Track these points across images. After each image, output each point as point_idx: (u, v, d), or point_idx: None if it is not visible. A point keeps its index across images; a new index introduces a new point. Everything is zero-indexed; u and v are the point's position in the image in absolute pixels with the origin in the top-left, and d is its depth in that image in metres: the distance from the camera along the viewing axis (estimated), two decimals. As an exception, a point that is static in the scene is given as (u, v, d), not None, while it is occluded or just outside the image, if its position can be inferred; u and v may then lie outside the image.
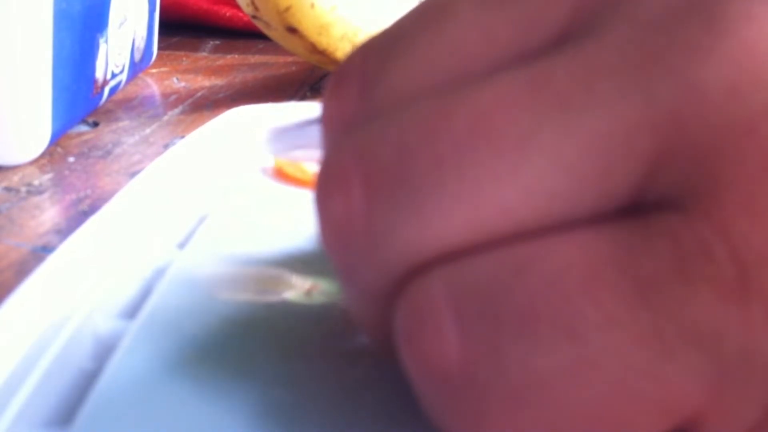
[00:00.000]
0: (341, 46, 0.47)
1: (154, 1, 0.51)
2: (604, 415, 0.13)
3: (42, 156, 0.36)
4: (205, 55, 0.58)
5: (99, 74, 0.41)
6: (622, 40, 0.13)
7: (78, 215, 0.31)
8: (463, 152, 0.13)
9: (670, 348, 0.12)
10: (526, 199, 0.13)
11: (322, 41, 0.47)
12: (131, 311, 0.20)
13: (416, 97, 0.14)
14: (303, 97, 0.48)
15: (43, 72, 0.34)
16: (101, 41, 0.41)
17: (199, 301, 0.20)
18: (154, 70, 0.52)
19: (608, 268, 0.12)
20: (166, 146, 0.38)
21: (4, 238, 0.28)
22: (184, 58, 0.56)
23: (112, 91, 0.44)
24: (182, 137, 0.37)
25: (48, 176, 0.34)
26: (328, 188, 0.14)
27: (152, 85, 0.50)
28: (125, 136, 0.40)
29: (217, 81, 0.50)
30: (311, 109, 0.34)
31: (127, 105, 0.45)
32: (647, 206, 0.13)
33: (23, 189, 0.33)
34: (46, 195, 0.32)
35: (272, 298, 0.20)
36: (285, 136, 0.22)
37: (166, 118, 0.43)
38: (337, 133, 0.15)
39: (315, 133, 0.18)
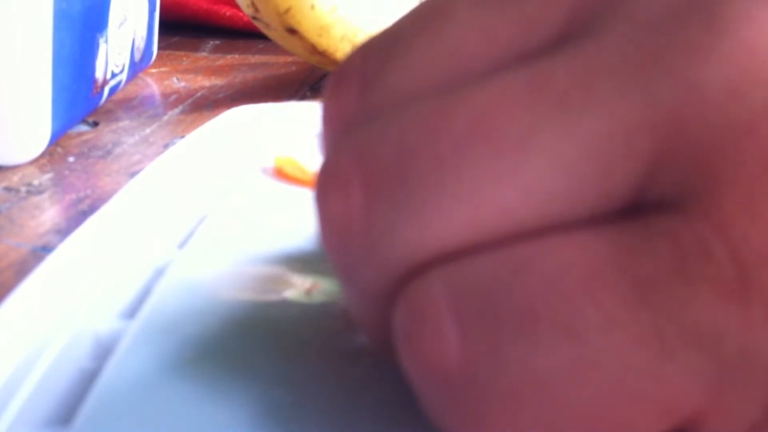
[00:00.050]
0: (341, 47, 0.47)
1: (154, 1, 0.51)
2: (604, 415, 0.13)
3: (42, 156, 0.36)
4: (205, 55, 0.58)
5: (99, 74, 0.41)
6: (621, 40, 0.13)
7: (78, 215, 0.31)
8: (463, 152, 0.13)
9: (670, 348, 0.12)
10: (526, 199, 0.13)
11: (322, 42, 0.47)
12: (131, 311, 0.20)
13: (416, 97, 0.14)
14: (303, 97, 0.48)
15: (43, 72, 0.34)
16: (101, 41, 0.41)
17: (199, 301, 0.20)
18: (154, 70, 0.52)
19: (608, 268, 0.12)
20: (166, 146, 0.38)
21: (4, 238, 0.28)
22: (184, 58, 0.56)
23: (112, 90, 0.44)
24: (182, 137, 0.37)
25: (48, 176, 0.34)
26: (328, 188, 0.14)
27: (152, 85, 0.50)
28: (125, 136, 0.40)
29: (217, 81, 0.50)
30: (311, 108, 0.34)
31: (127, 105, 0.45)
32: (647, 206, 0.13)
33: (23, 189, 0.33)
34: (46, 195, 0.32)
35: (272, 297, 0.20)
36: None
37: (166, 118, 0.43)
38: (337, 133, 0.15)
39: None
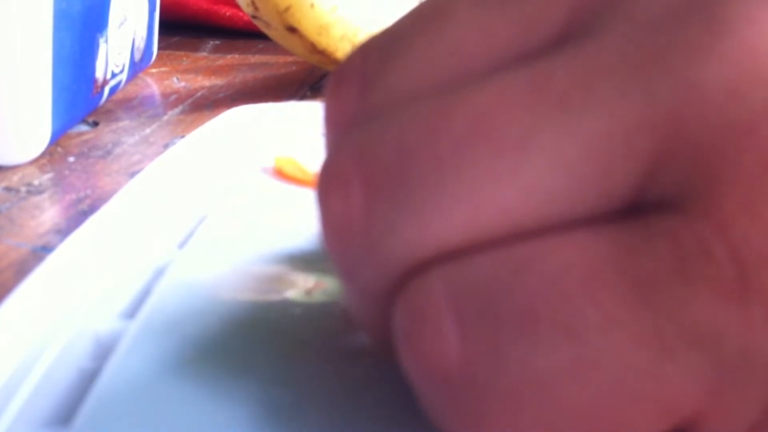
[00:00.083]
0: (341, 46, 0.47)
1: (154, 1, 0.51)
2: (604, 415, 0.13)
3: (42, 156, 0.36)
4: (205, 55, 0.58)
5: (99, 74, 0.41)
6: (621, 40, 0.13)
7: (78, 215, 0.31)
8: (463, 152, 0.13)
9: (670, 348, 0.12)
10: (525, 199, 0.13)
11: (322, 41, 0.47)
12: (131, 311, 0.20)
13: (416, 97, 0.14)
14: (303, 97, 0.48)
15: (43, 72, 0.34)
16: (101, 41, 0.41)
17: (199, 301, 0.20)
18: (154, 70, 0.52)
19: (608, 268, 0.12)
20: (166, 146, 0.38)
21: (4, 238, 0.28)
22: (184, 58, 0.56)
23: (112, 90, 0.44)
24: (182, 137, 0.37)
25: (48, 176, 0.34)
26: (328, 188, 0.14)
27: (152, 85, 0.50)
28: (125, 136, 0.40)
29: (217, 81, 0.50)
30: (311, 108, 0.34)
31: (127, 105, 0.45)
32: (647, 206, 0.13)
33: (23, 189, 0.33)
34: (46, 195, 0.32)
35: (273, 297, 0.20)
36: None
37: (166, 118, 0.43)
38: (337, 133, 0.16)
39: None
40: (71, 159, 0.36)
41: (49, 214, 0.31)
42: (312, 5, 0.46)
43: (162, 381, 0.16)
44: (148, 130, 0.41)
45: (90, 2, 0.39)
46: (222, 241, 0.23)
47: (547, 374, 0.12)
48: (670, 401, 0.13)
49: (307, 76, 0.52)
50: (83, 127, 0.41)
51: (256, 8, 0.47)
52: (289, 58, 0.56)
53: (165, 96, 0.47)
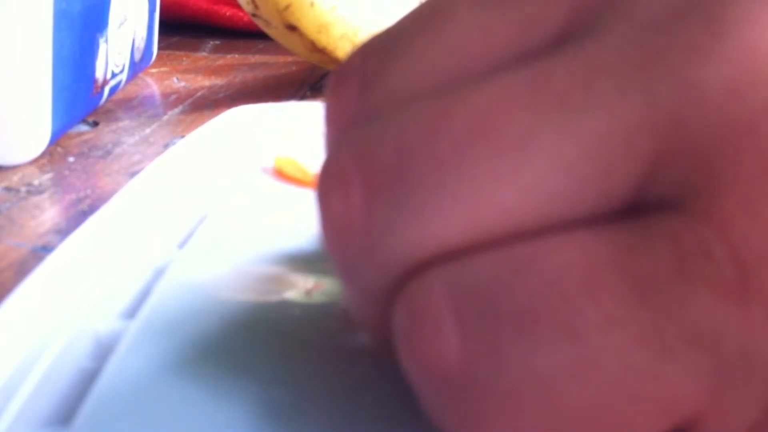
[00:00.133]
0: (341, 45, 0.47)
1: (154, 1, 0.51)
2: (604, 415, 0.13)
3: (42, 156, 0.36)
4: (205, 55, 0.58)
5: (99, 74, 0.41)
6: (622, 40, 0.13)
7: (78, 215, 0.31)
8: (463, 152, 0.13)
9: (670, 348, 0.12)
10: (525, 199, 0.13)
11: (322, 40, 0.47)
12: (131, 311, 0.20)
13: (416, 97, 0.14)
14: (303, 97, 0.48)
15: (43, 72, 0.34)
16: (101, 41, 0.41)
17: (199, 301, 0.20)
18: (154, 70, 0.52)
19: (608, 268, 0.12)
20: (166, 146, 0.38)
21: (4, 238, 0.28)
22: (184, 58, 0.56)
23: (112, 90, 0.44)
24: (182, 137, 0.37)
25: (48, 176, 0.34)
26: (328, 188, 0.14)
27: (152, 85, 0.50)
28: (125, 136, 0.40)
29: (217, 81, 0.50)
30: (311, 108, 0.34)
31: (127, 105, 0.45)
32: (647, 207, 0.13)
33: (23, 189, 0.33)
34: (46, 195, 0.32)
35: (272, 298, 0.20)
36: None
37: (166, 118, 0.43)
38: (338, 133, 0.16)
39: None
40: (71, 159, 0.36)
41: (49, 214, 0.31)
42: (312, 4, 0.46)
43: (162, 381, 0.16)
44: (148, 130, 0.41)
45: (90, 2, 0.39)
46: (222, 241, 0.23)
47: (547, 374, 0.12)
48: (670, 401, 0.13)
49: (307, 76, 0.52)
50: (83, 127, 0.41)
51: (256, 6, 0.47)
52: (289, 58, 0.56)
53: (165, 96, 0.47)
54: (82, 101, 0.39)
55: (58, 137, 0.37)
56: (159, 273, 0.22)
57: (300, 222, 0.24)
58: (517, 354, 0.13)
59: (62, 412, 0.16)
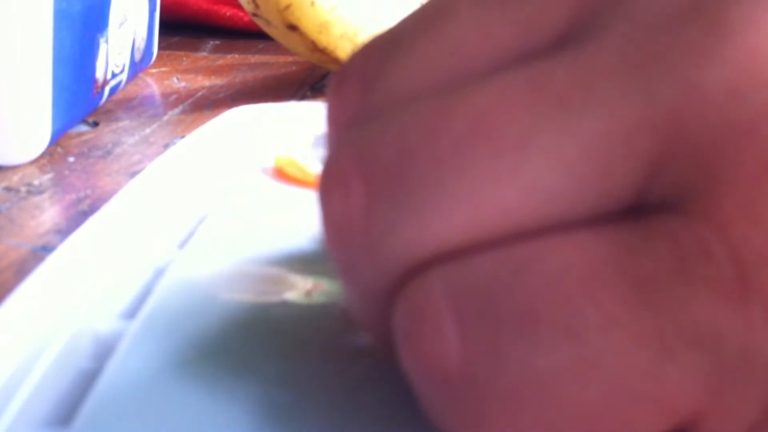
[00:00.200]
0: (341, 45, 0.47)
1: (154, 1, 0.51)
2: (604, 415, 0.13)
3: (42, 156, 0.36)
4: (205, 55, 0.58)
5: (99, 74, 0.41)
6: (622, 40, 0.13)
7: (78, 215, 0.31)
8: (463, 152, 0.13)
9: (670, 348, 0.12)
10: (525, 199, 0.13)
11: (322, 39, 0.47)
12: (131, 311, 0.20)
13: (416, 97, 0.14)
14: (303, 97, 0.48)
15: (43, 72, 0.34)
16: (101, 41, 0.41)
17: (199, 301, 0.20)
18: (154, 70, 0.52)
19: (608, 268, 0.12)
20: (166, 146, 0.38)
21: (4, 238, 0.28)
22: (184, 58, 0.56)
23: (112, 91, 0.44)
24: (182, 137, 0.37)
25: (48, 176, 0.34)
26: (329, 187, 0.14)
27: (152, 85, 0.50)
28: (125, 136, 0.40)
29: (217, 81, 0.50)
30: (311, 108, 0.34)
31: (127, 105, 0.45)
32: (648, 207, 0.13)
33: (23, 189, 0.33)
34: (46, 195, 0.32)
35: (272, 298, 0.20)
36: None
37: (166, 118, 0.43)
38: (339, 133, 0.16)
39: None
40: (71, 159, 0.36)
41: (49, 214, 0.31)
42: (312, 3, 0.46)
43: (162, 381, 0.16)
44: (148, 130, 0.41)
45: (90, 2, 0.39)
46: (222, 241, 0.23)
47: (547, 374, 0.12)
48: (670, 401, 0.13)
49: (307, 76, 0.52)
50: (83, 127, 0.41)
51: (256, 6, 0.47)
52: (289, 58, 0.56)
53: (165, 96, 0.47)
54: (82, 101, 0.39)
55: (58, 137, 0.37)
56: (159, 273, 0.22)
57: (300, 222, 0.24)
58: (517, 354, 0.13)
59: (62, 412, 0.16)
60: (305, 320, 0.19)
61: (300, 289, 0.20)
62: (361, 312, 0.15)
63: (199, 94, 0.47)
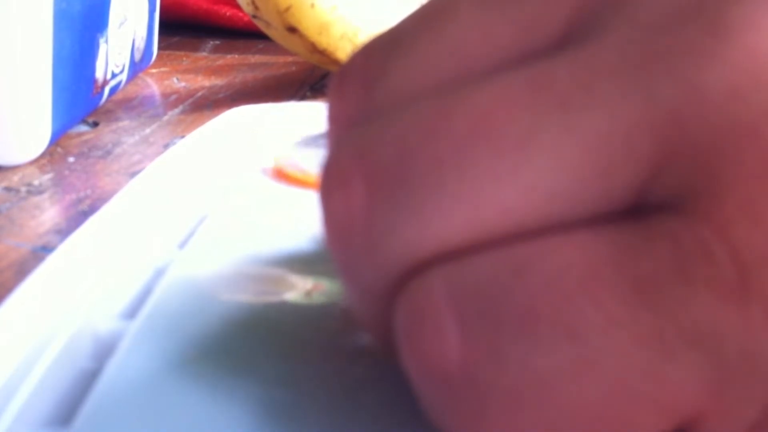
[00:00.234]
0: (341, 46, 0.47)
1: (154, 1, 0.51)
2: (604, 415, 0.13)
3: (42, 156, 0.36)
4: (205, 55, 0.58)
5: (99, 74, 0.41)
6: (623, 40, 0.13)
7: (78, 215, 0.31)
8: (463, 152, 0.13)
9: (670, 348, 0.12)
10: (526, 199, 0.13)
11: (323, 41, 0.47)
12: (131, 311, 0.20)
13: (417, 97, 0.14)
14: (303, 97, 0.48)
15: (43, 72, 0.34)
16: (101, 41, 0.41)
17: (199, 301, 0.20)
18: (154, 70, 0.52)
19: (608, 268, 0.12)
20: (166, 146, 0.38)
21: (4, 238, 0.28)
22: (184, 58, 0.56)
23: (112, 91, 0.44)
24: (182, 137, 0.37)
25: (48, 176, 0.34)
26: (330, 187, 0.14)
27: (152, 85, 0.50)
28: (125, 136, 0.40)
29: (217, 81, 0.50)
30: (311, 108, 0.34)
31: (127, 105, 0.45)
32: (648, 207, 0.13)
33: (23, 189, 0.33)
34: (46, 195, 0.32)
35: (272, 298, 0.20)
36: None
37: (166, 118, 0.43)
38: (340, 133, 0.16)
39: None
40: (71, 159, 0.36)
41: (49, 214, 0.31)
42: (312, 5, 0.46)
43: (162, 381, 0.16)
44: (148, 130, 0.41)
45: (90, 2, 0.39)
46: (222, 241, 0.23)
47: (548, 374, 0.12)
48: (670, 401, 0.13)
49: (307, 76, 0.52)
50: (83, 127, 0.41)
51: (256, 8, 0.47)
52: (289, 58, 0.56)
53: (165, 96, 0.47)
54: (82, 101, 0.39)
55: (58, 137, 0.37)
56: (159, 273, 0.22)
57: (300, 222, 0.24)
58: (517, 354, 0.13)
59: (62, 412, 0.16)
60: (305, 320, 0.19)
61: (300, 289, 0.20)
62: (361, 312, 0.15)
63: (199, 94, 0.47)
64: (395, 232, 0.13)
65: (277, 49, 0.55)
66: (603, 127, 0.13)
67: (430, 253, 0.13)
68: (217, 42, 0.61)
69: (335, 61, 0.48)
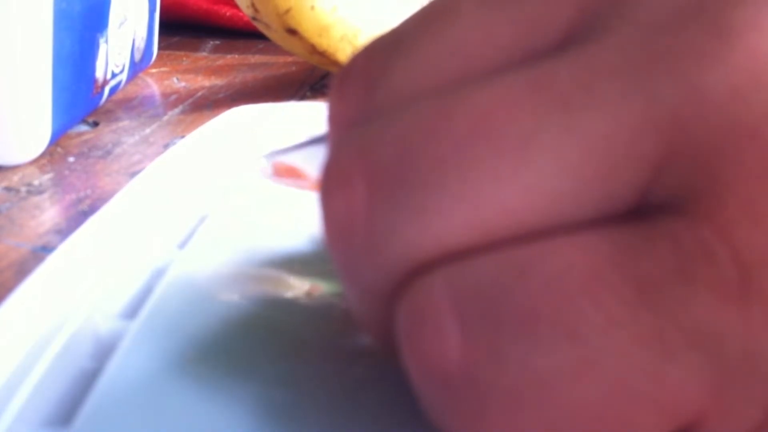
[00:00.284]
0: (341, 47, 0.47)
1: (154, 1, 0.51)
2: (605, 415, 0.13)
3: (42, 156, 0.36)
4: (205, 55, 0.58)
5: (99, 74, 0.41)
6: (625, 41, 0.13)
7: (78, 215, 0.31)
8: (464, 152, 0.13)
9: (671, 349, 0.12)
10: (527, 199, 0.13)
11: (322, 43, 0.47)
12: (131, 311, 0.20)
13: (418, 98, 0.14)
14: (303, 97, 0.48)
15: (43, 72, 0.34)
16: (101, 41, 0.41)
17: (199, 301, 0.20)
18: (154, 70, 0.52)
19: (609, 268, 0.12)
20: (166, 146, 0.38)
21: (4, 238, 0.28)
22: (184, 58, 0.56)
23: (112, 91, 0.44)
24: (182, 137, 0.37)
25: (48, 176, 0.34)
26: (331, 187, 0.14)
27: (152, 85, 0.50)
28: (125, 136, 0.40)
29: (217, 81, 0.50)
30: (311, 108, 0.34)
31: (127, 105, 0.45)
32: (649, 208, 0.13)
33: (23, 189, 0.33)
34: (46, 195, 0.32)
35: (272, 298, 0.20)
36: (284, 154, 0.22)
37: (166, 118, 0.43)
38: (341, 133, 0.16)
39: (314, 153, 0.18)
40: (71, 159, 0.36)
41: (49, 214, 0.31)
42: (312, 7, 0.46)
43: (162, 381, 0.16)
44: (148, 130, 0.41)
45: (90, 2, 0.39)
46: (222, 241, 0.23)
47: (548, 374, 0.12)
48: (671, 402, 0.13)
49: (307, 76, 0.52)
50: (83, 127, 0.41)
51: (256, 10, 0.47)
52: (289, 59, 0.56)
53: (165, 96, 0.47)
54: (82, 101, 0.39)
55: (58, 137, 0.37)
56: (159, 273, 0.22)
57: (300, 222, 0.24)
58: (517, 354, 0.13)
59: (62, 412, 0.16)
60: (305, 320, 0.19)
61: (300, 289, 0.20)
62: (362, 312, 0.15)
63: (199, 94, 0.47)
64: (396, 233, 0.13)
65: (277, 49, 0.55)
66: (604, 127, 0.13)
67: (430, 253, 0.13)
68: (217, 42, 0.61)
69: (335, 63, 0.48)
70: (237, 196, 0.27)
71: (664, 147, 0.13)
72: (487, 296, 0.13)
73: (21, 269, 0.26)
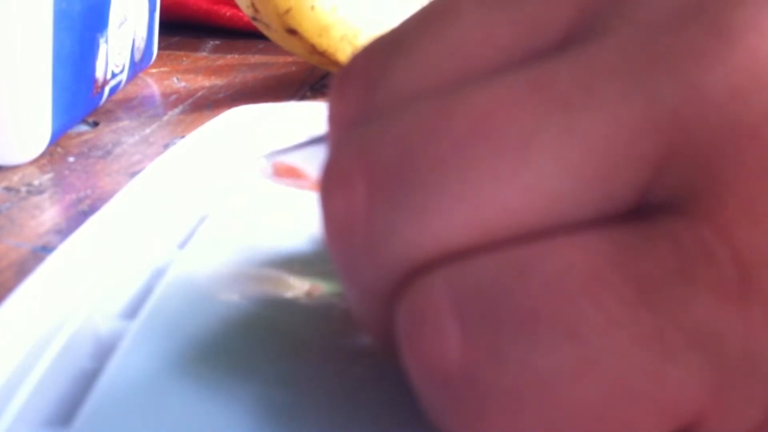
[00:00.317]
0: (341, 47, 0.47)
1: (154, 1, 0.51)
2: (605, 415, 0.13)
3: (42, 156, 0.36)
4: (205, 55, 0.58)
5: (99, 74, 0.41)
6: (625, 41, 0.13)
7: (78, 215, 0.31)
8: (465, 152, 0.13)
9: (671, 349, 0.12)
10: (527, 199, 0.13)
11: (323, 43, 0.47)
12: (131, 311, 0.20)
13: (418, 98, 0.14)
14: (303, 97, 0.48)
15: (43, 72, 0.34)
16: (101, 41, 0.41)
17: (199, 301, 0.20)
18: (154, 70, 0.52)
19: (609, 268, 0.12)
20: (166, 146, 0.38)
21: (4, 238, 0.28)
22: (184, 58, 0.56)
23: (112, 91, 0.44)
24: (182, 137, 0.37)
25: (48, 176, 0.34)
26: (331, 187, 0.14)
27: (152, 85, 0.50)
28: (125, 136, 0.40)
29: (217, 81, 0.50)
30: (311, 108, 0.34)
31: (127, 105, 0.45)
32: (649, 208, 0.13)
33: (23, 189, 0.33)
34: (46, 195, 0.32)
35: (272, 298, 0.20)
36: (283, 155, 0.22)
37: (166, 118, 0.43)
38: (341, 133, 0.16)
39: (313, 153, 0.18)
40: (71, 159, 0.36)
41: (49, 214, 0.31)
42: (312, 7, 0.46)
43: (162, 381, 0.16)
44: (148, 130, 0.41)
45: (90, 2, 0.39)
46: (222, 241, 0.23)
47: (548, 374, 0.12)
48: (671, 402, 0.13)
49: (307, 76, 0.52)
50: (83, 127, 0.41)
51: (256, 10, 0.47)
52: (289, 59, 0.56)
53: (165, 96, 0.47)
54: (82, 101, 0.39)
55: (58, 137, 0.37)
56: (159, 273, 0.22)
57: (300, 222, 0.24)
58: (517, 354, 0.13)
59: (62, 412, 0.16)
60: (305, 320, 0.19)
61: (300, 289, 0.20)
62: (362, 312, 0.15)
63: (199, 94, 0.47)
64: (396, 233, 0.13)
65: (277, 49, 0.55)
66: (604, 127, 0.13)
67: (430, 253, 0.13)
68: (217, 42, 0.61)
69: (335, 63, 0.48)
70: (237, 196, 0.27)
71: (664, 147, 0.13)
72: (487, 296, 0.13)
73: (21, 269, 0.26)
